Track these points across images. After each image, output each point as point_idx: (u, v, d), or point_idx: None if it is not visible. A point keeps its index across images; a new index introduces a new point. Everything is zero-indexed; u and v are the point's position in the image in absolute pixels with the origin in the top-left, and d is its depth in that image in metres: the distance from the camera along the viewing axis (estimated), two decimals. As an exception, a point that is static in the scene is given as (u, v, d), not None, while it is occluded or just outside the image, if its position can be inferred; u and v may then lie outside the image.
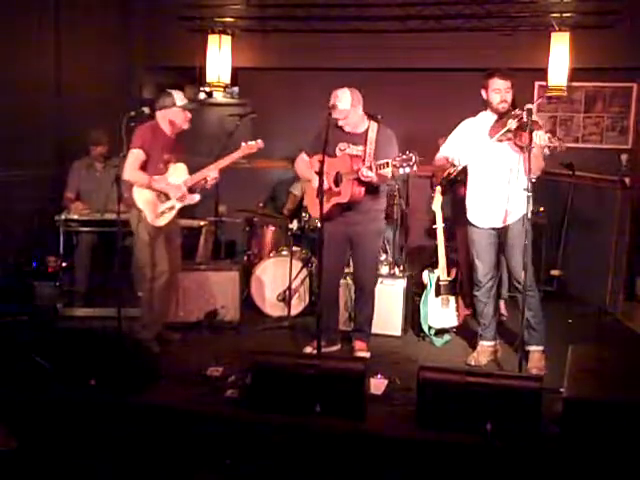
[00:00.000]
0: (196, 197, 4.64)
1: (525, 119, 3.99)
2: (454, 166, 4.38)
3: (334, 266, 4.56)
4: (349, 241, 4.59)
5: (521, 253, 4.14)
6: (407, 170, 4.06)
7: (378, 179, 4.30)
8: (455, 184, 5.15)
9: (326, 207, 4.40)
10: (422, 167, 4.98)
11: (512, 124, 4.06)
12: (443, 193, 5.22)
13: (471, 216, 4.45)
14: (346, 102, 4.38)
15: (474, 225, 4.44)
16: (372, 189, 4.44)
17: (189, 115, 4.59)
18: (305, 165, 4.64)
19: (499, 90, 4.19)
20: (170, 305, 4.85)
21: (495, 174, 4.28)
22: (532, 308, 4.34)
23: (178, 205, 4.59)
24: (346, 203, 4.40)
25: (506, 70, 4.28)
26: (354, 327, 4.82)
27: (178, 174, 4.59)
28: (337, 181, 4.39)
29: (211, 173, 4.60)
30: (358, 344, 4.69)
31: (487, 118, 4.32)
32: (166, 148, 4.56)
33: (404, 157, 4.06)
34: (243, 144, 4.62)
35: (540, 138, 3.96)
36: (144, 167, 4.50)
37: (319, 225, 4.25)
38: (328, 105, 4.31)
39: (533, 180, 4.20)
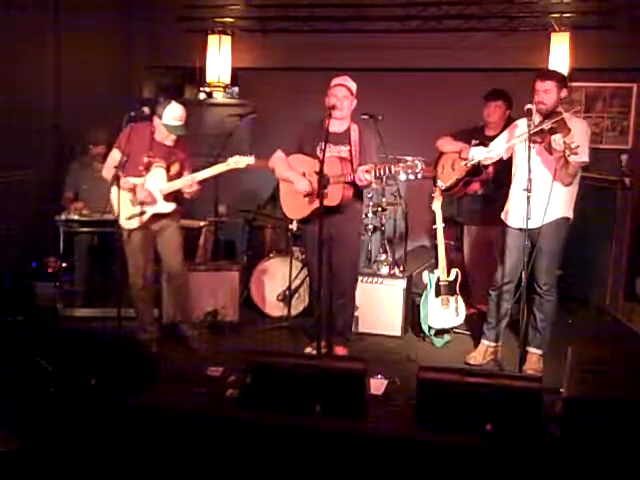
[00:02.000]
0: (169, 206, 4.48)
1: (562, 122, 3.96)
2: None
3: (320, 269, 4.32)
4: (328, 242, 4.38)
5: (547, 257, 4.14)
6: (411, 177, 4.01)
7: (369, 183, 4.25)
8: (469, 184, 5.15)
9: (309, 210, 4.37)
10: (425, 167, 4.94)
11: (546, 125, 4.02)
12: (454, 193, 5.23)
13: (505, 215, 4.44)
14: (354, 86, 4.37)
15: (507, 225, 4.42)
16: (359, 192, 4.40)
17: (173, 137, 4.42)
18: (283, 163, 4.48)
19: (537, 91, 4.15)
20: (184, 305, 4.78)
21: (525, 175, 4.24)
22: (545, 311, 4.34)
23: (150, 211, 4.48)
24: (335, 206, 4.27)
25: (548, 71, 4.28)
26: (334, 331, 4.62)
27: (156, 179, 4.48)
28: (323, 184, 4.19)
29: (187, 184, 4.44)
30: (339, 350, 4.60)
31: (536, 119, 4.29)
32: (150, 151, 4.45)
33: (409, 164, 3.98)
34: (234, 157, 4.40)
35: (556, 142, 3.93)
36: (124, 167, 4.43)
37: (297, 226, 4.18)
38: (328, 105, 4.30)
39: (566, 185, 4.19)
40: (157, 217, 4.53)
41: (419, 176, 3.99)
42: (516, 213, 4.32)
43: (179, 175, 4.51)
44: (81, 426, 3.62)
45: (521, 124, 4.38)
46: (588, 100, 6.57)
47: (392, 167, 4.06)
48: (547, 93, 4.14)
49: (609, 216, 5.79)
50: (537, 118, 4.23)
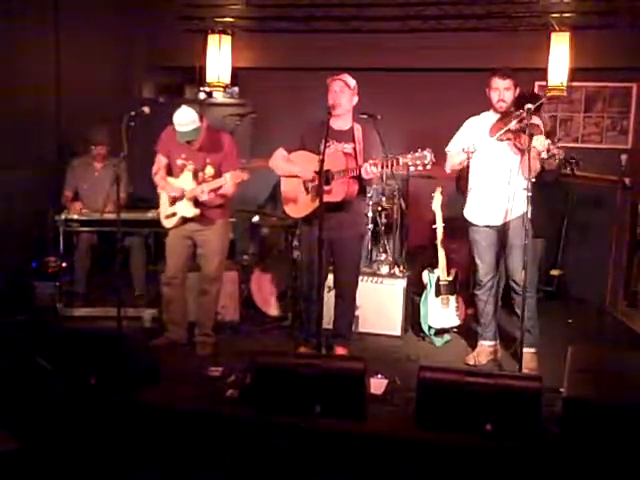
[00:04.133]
0: (191, 211, 4.48)
1: (525, 121, 4.00)
2: (470, 153, 4.30)
3: (320, 269, 4.30)
4: (330, 245, 4.39)
5: (520, 253, 4.15)
6: (420, 168, 3.96)
7: (374, 178, 4.24)
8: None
9: (311, 207, 4.34)
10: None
11: (513, 124, 4.07)
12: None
13: (469, 214, 4.46)
14: (352, 82, 4.33)
15: (472, 223, 4.45)
16: (362, 189, 4.40)
17: (181, 141, 4.38)
18: (284, 160, 4.45)
19: (497, 89, 4.22)
20: (206, 311, 4.73)
21: (493, 173, 4.31)
22: (529, 309, 4.34)
23: (180, 213, 4.53)
24: (338, 202, 4.26)
25: (507, 70, 4.29)
26: (334, 332, 4.65)
27: (183, 183, 4.51)
28: (327, 179, 4.19)
29: (198, 191, 4.41)
30: (339, 350, 4.61)
31: (490, 117, 4.34)
32: (181, 154, 4.49)
33: (417, 155, 3.95)
34: (229, 174, 4.31)
35: (540, 143, 3.96)
36: (169, 169, 4.59)
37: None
38: (327, 105, 4.29)
39: (532, 181, 4.22)
40: (193, 219, 4.53)
41: (428, 167, 3.95)
42: (479, 210, 4.39)
43: (214, 179, 4.43)
44: (81, 426, 3.63)
45: (476, 121, 4.40)
46: (588, 100, 6.57)
47: (400, 159, 4.02)
48: (508, 91, 4.22)
49: (609, 216, 5.79)
50: (493, 115, 4.28)
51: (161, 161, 4.59)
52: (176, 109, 4.33)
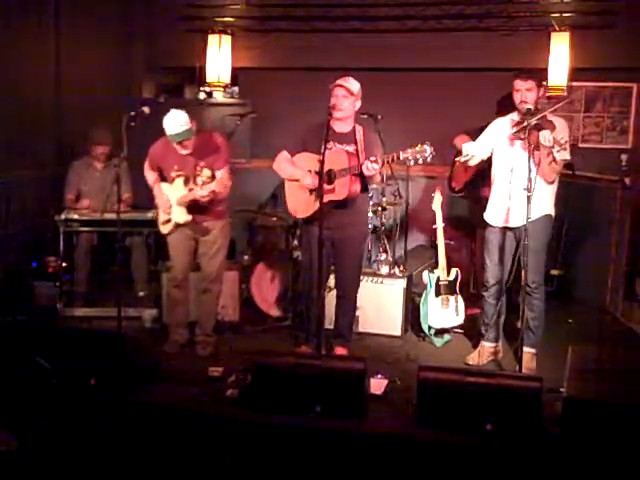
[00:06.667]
0: (184, 217, 4.48)
1: (545, 119, 4.00)
2: (460, 154, 4.33)
3: (321, 269, 4.30)
4: (332, 245, 4.42)
5: (534, 255, 4.14)
6: (420, 162, 3.99)
7: (376, 175, 4.25)
8: (479, 185, 5.13)
9: (315, 207, 4.30)
10: (425, 167, 4.98)
11: (529, 122, 4.04)
12: (465, 196, 5.22)
13: (489, 216, 4.45)
14: (355, 87, 4.33)
15: (489, 224, 4.44)
16: (364, 188, 4.39)
17: (174, 142, 4.35)
18: (288, 163, 4.47)
19: (519, 91, 4.21)
20: (206, 313, 4.74)
21: (513, 175, 4.27)
22: (535, 309, 4.35)
23: (173, 219, 4.53)
24: (342, 200, 4.27)
25: (529, 71, 4.33)
26: (335, 332, 4.67)
27: (175, 190, 4.51)
28: (329, 178, 4.23)
29: (185, 200, 4.44)
30: (339, 350, 4.61)
31: (514, 118, 4.33)
32: (174, 165, 4.49)
33: (417, 149, 3.99)
34: (202, 178, 4.37)
35: (545, 138, 3.95)
36: (164, 177, 4.60)
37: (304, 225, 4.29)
38: (328, 105, 4.29)
39: (549, 182, 4.21)
40: (186, 225, 4.53)
41: (429, 160, 3.99)
42: (498, 212, 4.36)
43: (212, 180, 4.40)
44: (81, 426, 3.63)
45: (501, 122, 4.40)
46: (588, 100, 6.57)
47: (400, 153, 4.05)
48: (529, 92, 4.21)
49: (609, 216, 5.79)
50: (516, 116, 4.29)
51: (153, 174, 4.64)
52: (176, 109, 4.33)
